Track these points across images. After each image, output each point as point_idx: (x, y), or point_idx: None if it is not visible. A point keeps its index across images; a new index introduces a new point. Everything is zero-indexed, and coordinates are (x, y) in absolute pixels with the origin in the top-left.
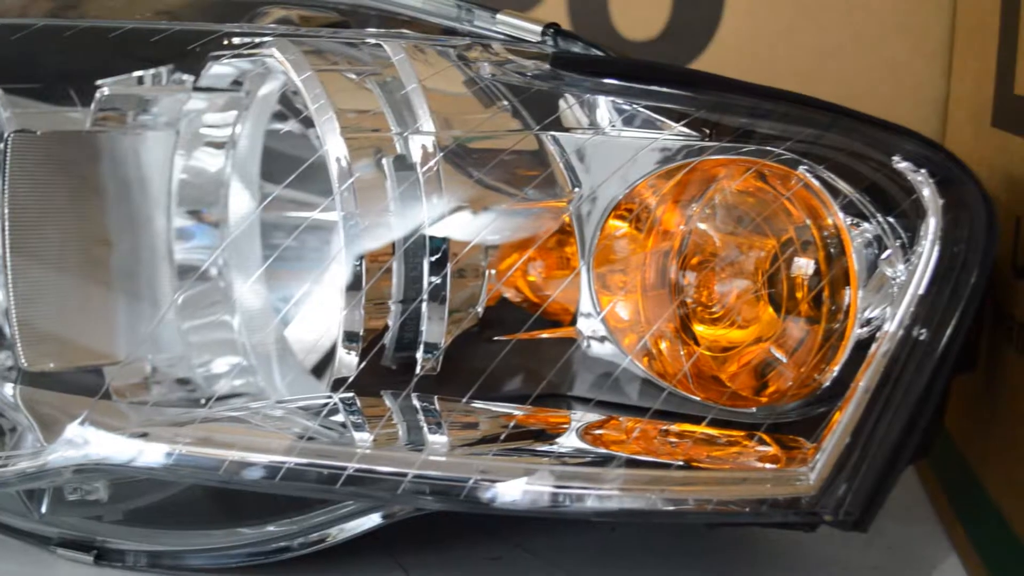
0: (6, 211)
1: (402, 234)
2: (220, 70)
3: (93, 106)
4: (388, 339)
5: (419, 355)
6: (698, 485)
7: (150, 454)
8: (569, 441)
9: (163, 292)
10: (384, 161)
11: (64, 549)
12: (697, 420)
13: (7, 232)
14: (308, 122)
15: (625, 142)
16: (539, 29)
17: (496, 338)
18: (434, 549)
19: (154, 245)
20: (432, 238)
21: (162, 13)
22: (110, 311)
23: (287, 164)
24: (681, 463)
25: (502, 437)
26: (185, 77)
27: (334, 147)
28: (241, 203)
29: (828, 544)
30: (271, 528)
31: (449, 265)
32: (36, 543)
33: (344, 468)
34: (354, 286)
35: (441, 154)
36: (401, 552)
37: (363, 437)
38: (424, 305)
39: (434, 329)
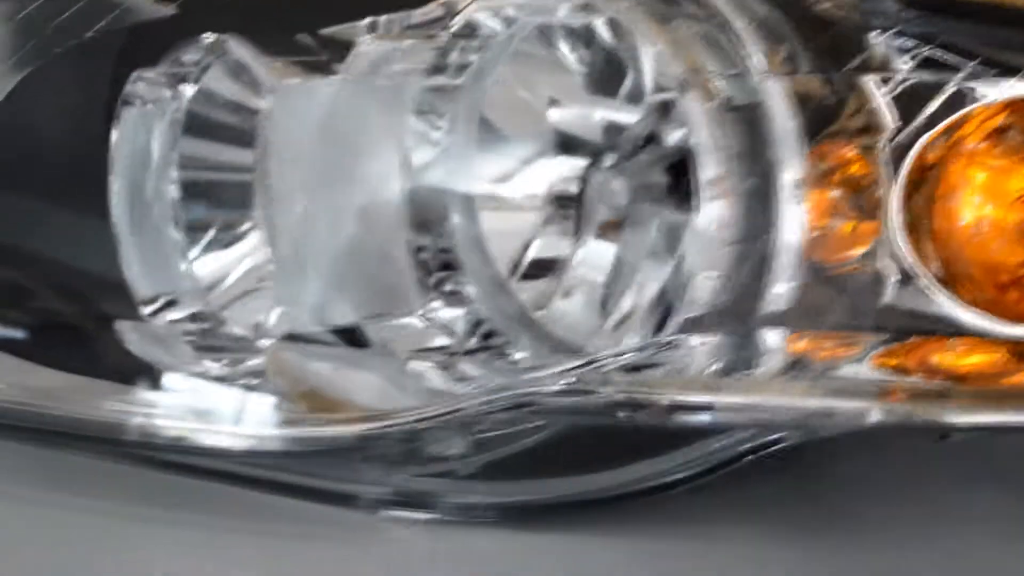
0: (271, 167)
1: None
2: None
3: (350, 58)
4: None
5: (772, 290)
6: None
7: None
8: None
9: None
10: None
11: (399, 509)
12: None
13: (272, 192)
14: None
15: (937, 83)
16: None
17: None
18: None
19: (391, 203)
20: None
21: None
22: (359, 270)
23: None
24: None
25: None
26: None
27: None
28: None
29: None
30: (635, 470)
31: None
32: (355, 506)
33: None
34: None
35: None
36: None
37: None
38: (771, 241)
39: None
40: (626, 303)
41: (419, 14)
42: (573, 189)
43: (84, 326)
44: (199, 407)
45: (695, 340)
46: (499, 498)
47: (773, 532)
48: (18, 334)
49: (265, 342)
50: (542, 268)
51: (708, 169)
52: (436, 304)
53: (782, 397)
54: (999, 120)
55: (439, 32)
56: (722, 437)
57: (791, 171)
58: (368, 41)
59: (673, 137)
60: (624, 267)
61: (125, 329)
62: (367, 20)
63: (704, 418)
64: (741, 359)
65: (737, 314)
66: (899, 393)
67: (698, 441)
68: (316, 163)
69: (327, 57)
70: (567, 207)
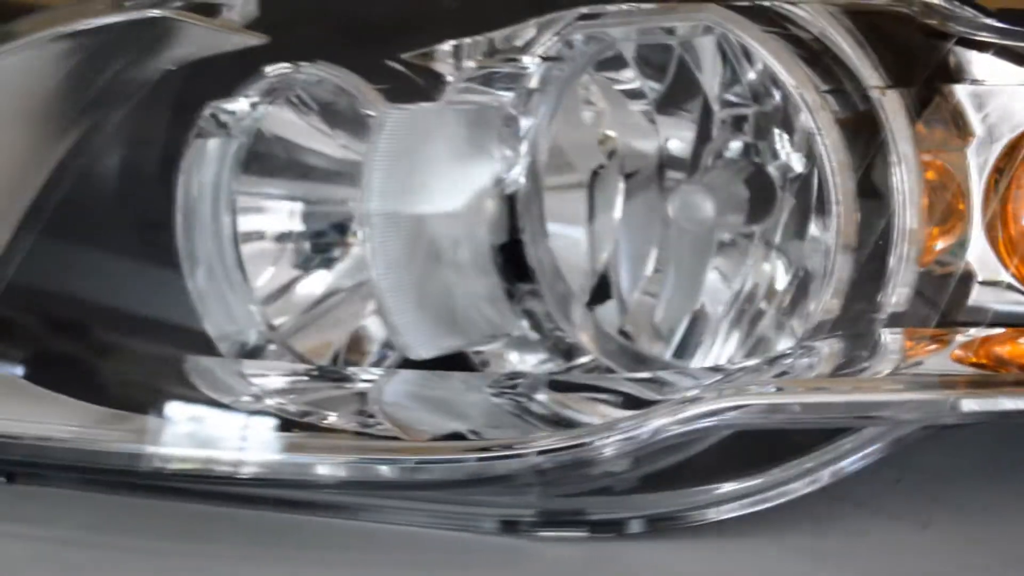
0: (372, 191)
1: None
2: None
3: (454, 81)
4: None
5: (890, 293)
6: None
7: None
8: None
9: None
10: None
11: (548, 530)
12: None
13: (372, 219)
14: None
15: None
16: None
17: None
18: None
19: (481, 228)
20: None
21: None
22: (455, 296)
23: None
24: None
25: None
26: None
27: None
28: None
29: None
30: (774, 474)
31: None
32: (505, 530)
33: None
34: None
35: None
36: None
37: None
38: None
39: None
40: (699, 313)
41: (499, 38)
42: (642, 206)
43: (92, 359)
44: (205, 434)
45: (820, 345)
46: (647, 510)
47: (907, 526)
48: (29, 368)
49: (356, 372)
50: (612, 284)
51: (827, 180)
52: (522, 326)
53: (880, 393)
54: None
55: (518, 57)
56: (852, 437)
57: (904, 177)
58: (456, 66)
59: (751, 150)
60: (688, 277)
61: (188, 366)
62: (450, 44)
63: (830, 418)
64: (857, 360)
65: (857, 318)
66: (979, 385)
67: (831, 442)
68: (414, 188)
69: (422, 82)
70: (634, 224)
